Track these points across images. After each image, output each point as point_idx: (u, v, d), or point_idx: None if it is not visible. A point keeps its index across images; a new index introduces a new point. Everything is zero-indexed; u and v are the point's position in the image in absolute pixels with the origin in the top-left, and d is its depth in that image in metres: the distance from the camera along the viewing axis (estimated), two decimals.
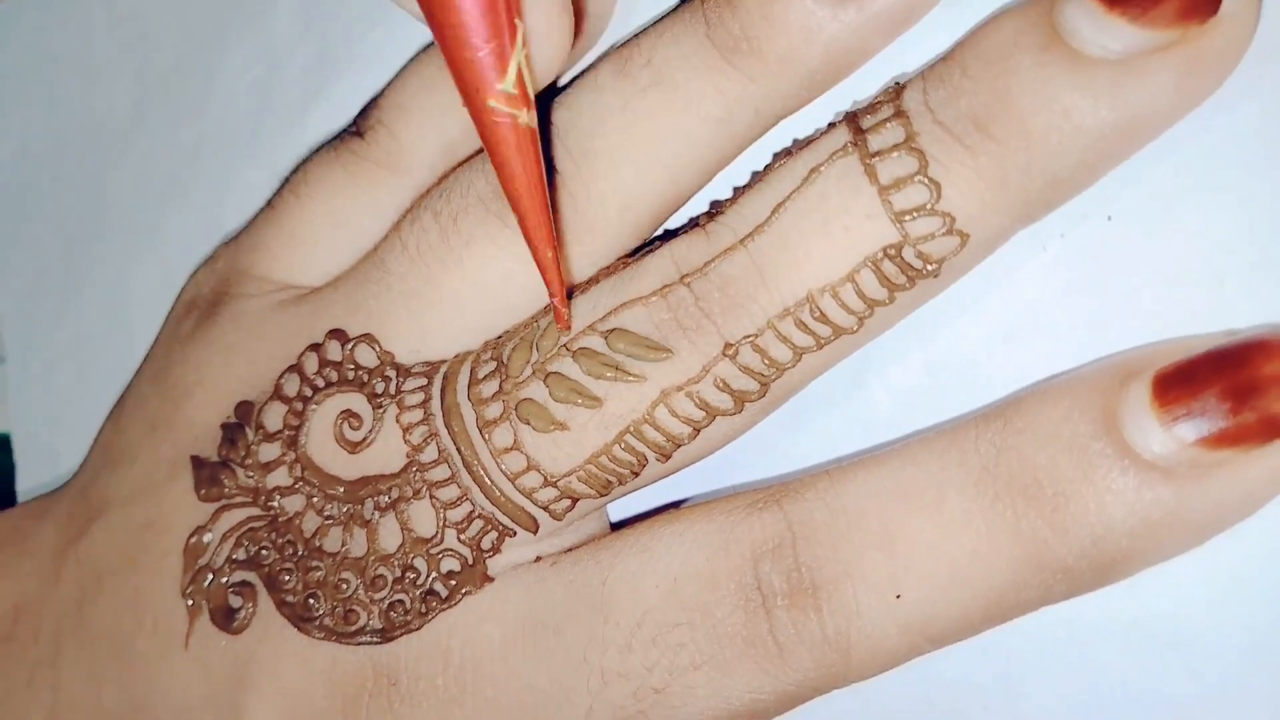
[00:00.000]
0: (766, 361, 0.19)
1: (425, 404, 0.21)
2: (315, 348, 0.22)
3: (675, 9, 0.21)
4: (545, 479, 0.20)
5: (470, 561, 0.21)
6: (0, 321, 0.35)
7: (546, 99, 0.22)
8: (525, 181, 0.17)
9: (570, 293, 0.21)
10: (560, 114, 0.21)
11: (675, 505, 0.23)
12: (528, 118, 0.17)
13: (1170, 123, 0.18)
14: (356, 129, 0.24)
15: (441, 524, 0.21)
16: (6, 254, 0.35)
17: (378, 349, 0.22)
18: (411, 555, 0.21)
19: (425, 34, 0.26)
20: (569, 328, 0.20)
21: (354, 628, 0.21)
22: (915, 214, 0.18)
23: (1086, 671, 0.19)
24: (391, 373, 0.21)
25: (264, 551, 0.22)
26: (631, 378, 0.19)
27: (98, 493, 0.25)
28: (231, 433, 0.23)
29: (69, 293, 0.33)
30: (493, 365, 0.21)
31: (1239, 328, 0.18)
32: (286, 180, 0.25)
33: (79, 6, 0.33)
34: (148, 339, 0.29)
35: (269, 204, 0.26)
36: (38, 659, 0.25)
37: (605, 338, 0.20)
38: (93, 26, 0.33)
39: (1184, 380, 0.17)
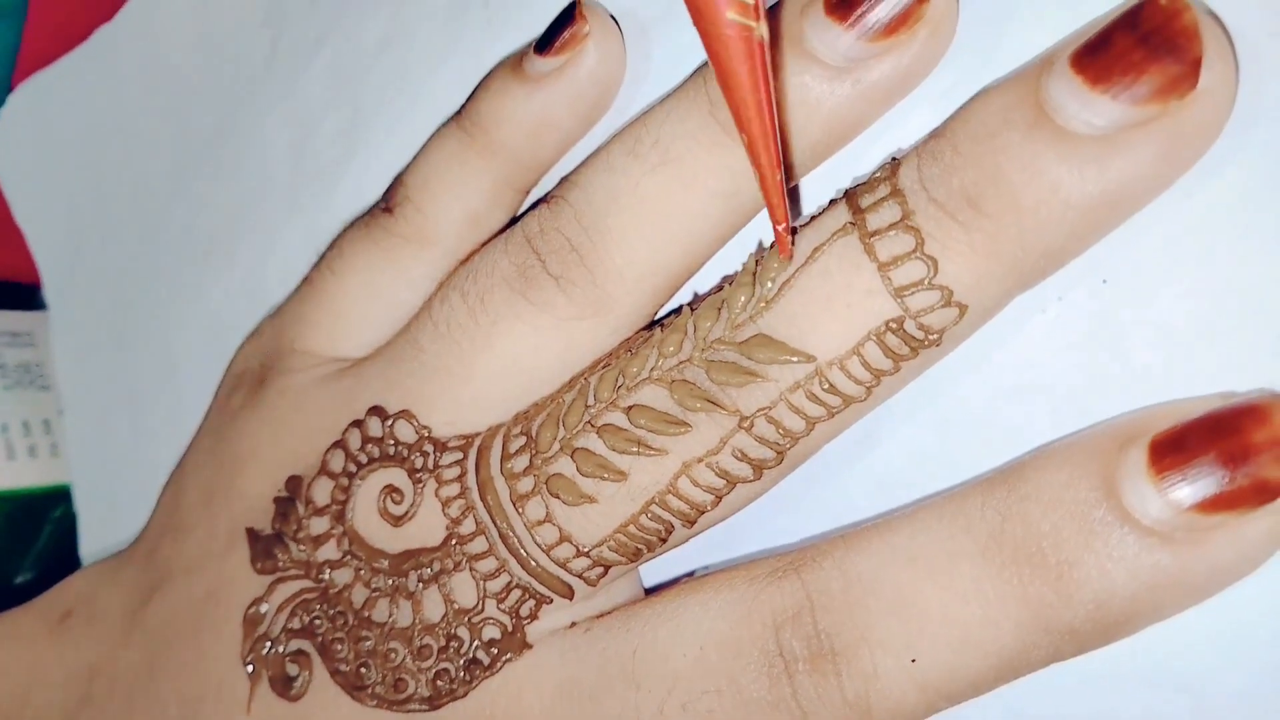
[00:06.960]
0: (781, 432, 0.20)
1: (461, 478, 0.22)
2: (358, 424, 0.23)
3: (681, 85, 0.22)
4: (578, 549, 0.21)
5: (510, 629, 0.22)
6: (58, 376, 0.37)
7: None
8: (755, 99, 0.17)
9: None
10: (574, 193, 0.22)
11: (705, 568, 0.23)
12: (761, 30, 0.16)
13: (1157, 192, 0.18)
14: (385, 205, 0.25)
15: (482, 594, 0.22)
16: (60, 311, 0.37)
17: (415, 424, 0.23)
18: (455, 625, 0.22)
19: (449, 99, 0.27)
20: (791, 256, 0.19)
21: (404, 695, 0.22)
22: (914, 289, 0.19)
23: (1096, 716, 0.20)
24: (429, 448, 0.23)
25: (317, 621, 0.23)
26: (653, 452, 0.20)
27: (161, 560, 0.26)
28: (284, 507, 0.24)
29: (120, 348, 0.35)
30: (523, 440, 0.22)
31: (1233, 388, 0.18)
32: (322, 256, 0.27)
33: (121, 74, 0.35)
34: (196, 392, 0.31)
35: (307, 280, 0.27)
36: (113, 718, 0.26)
37: (627, 414, 0.20)
38: (134, 94, 0.34)
39: (1179, 446, 0.17)
